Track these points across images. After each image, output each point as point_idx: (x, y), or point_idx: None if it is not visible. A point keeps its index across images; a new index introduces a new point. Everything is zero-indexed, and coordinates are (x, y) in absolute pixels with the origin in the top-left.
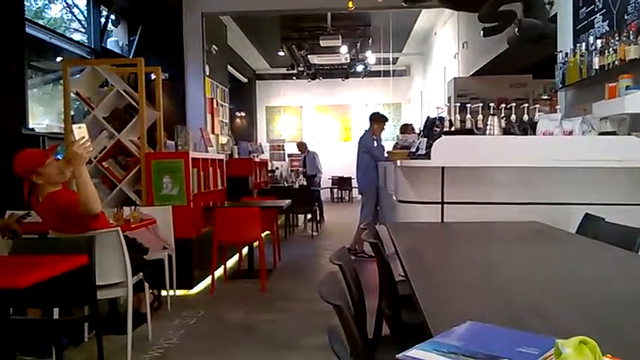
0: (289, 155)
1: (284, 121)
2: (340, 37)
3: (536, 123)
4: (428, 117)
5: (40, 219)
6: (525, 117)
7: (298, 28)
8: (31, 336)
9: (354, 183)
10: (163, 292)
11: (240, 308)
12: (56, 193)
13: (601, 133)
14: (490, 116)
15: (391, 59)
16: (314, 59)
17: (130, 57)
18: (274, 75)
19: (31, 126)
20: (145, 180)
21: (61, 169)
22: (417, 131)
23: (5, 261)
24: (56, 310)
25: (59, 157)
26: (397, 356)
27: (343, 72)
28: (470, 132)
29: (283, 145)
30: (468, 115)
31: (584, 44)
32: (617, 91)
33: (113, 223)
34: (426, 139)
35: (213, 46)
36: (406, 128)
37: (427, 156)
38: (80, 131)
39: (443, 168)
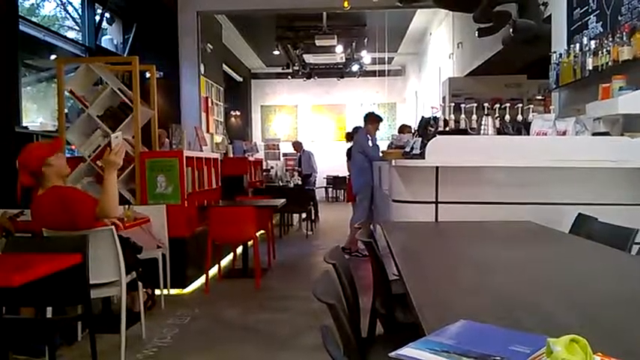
0: (284, 154)
1: (279, 120)
2: (335, 36)
3: (530, 123)
4: (422, 117)
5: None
6: (519, 117)
7: (294, 28)
8: (24, 335)
9: None
10: (157, 291)
11: (235, 307)
12: (61, 187)
13: (594, 134)
14: (484, 116)
15: (386, 59)
16: (309, 58)
17: (125, 55)
18: (269, 74)
19: (24, 124)
20: (139, 179)
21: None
22: (412, 131)
23: None
24: (49, 309)
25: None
26: (390, 355)
27: (338, 71)
28: (464, 132)
29: (278, 145)
30: (463, 115)
31: (578, 45)
32: (611, 91)
33: (107, 222)
34: (420, 139)
35: (209, 45)
36: (404, 129)
37: (421, 156)
38: (117, 140)
39: (437, 168)
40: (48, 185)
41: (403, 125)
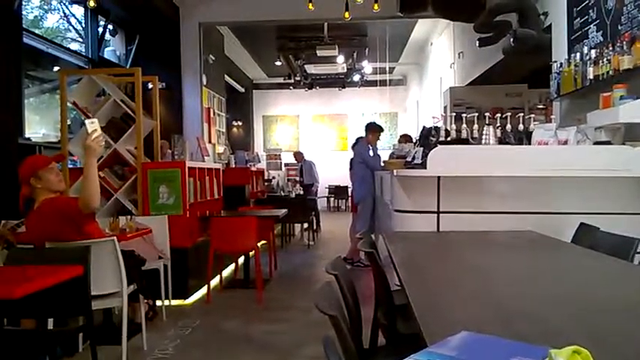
0: (286, 164)
1: (281, 130)
2: (337, 46)
3: (532, 132)
4: (424, 126)
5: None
6: (521, 126)
7: (295, 38)
8: (25, 347)
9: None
10: (159, 302)
11: (236, 318)
12: (53, 198)
13: (596, 143)
14: (486, 126)
15: (387, 69)
16: (311, 69)
17: (127, 66)
18: (271, 84)
19: (27, 135)
20: (141, 189)
21: (61, 177)
22: (414, 141)
23: None
24: (51, 321)
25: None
26: None
27: (340, 81)
28: (465, 141)
29: (280, 155)
30: (464, 125)
31: (578, 54)
32: (612, 100)
33: (108, 233)
34: (422, 149)
35: (211, 56)
36: (403, 138)
37: (423, 165)
38: (92, 125)
39: (439, 177)
40: (39, 199)
41: (402, 135)
